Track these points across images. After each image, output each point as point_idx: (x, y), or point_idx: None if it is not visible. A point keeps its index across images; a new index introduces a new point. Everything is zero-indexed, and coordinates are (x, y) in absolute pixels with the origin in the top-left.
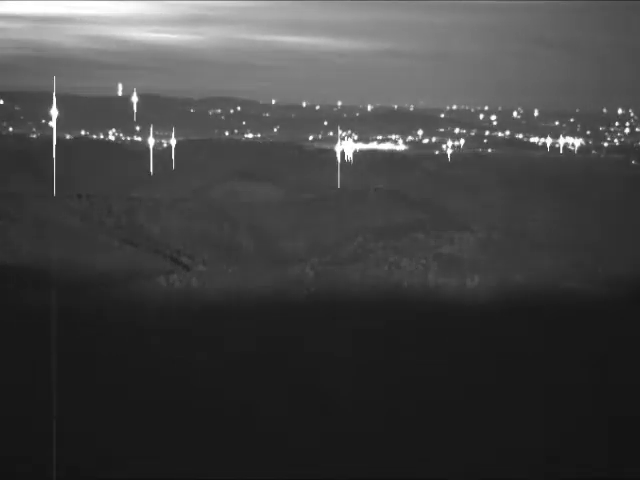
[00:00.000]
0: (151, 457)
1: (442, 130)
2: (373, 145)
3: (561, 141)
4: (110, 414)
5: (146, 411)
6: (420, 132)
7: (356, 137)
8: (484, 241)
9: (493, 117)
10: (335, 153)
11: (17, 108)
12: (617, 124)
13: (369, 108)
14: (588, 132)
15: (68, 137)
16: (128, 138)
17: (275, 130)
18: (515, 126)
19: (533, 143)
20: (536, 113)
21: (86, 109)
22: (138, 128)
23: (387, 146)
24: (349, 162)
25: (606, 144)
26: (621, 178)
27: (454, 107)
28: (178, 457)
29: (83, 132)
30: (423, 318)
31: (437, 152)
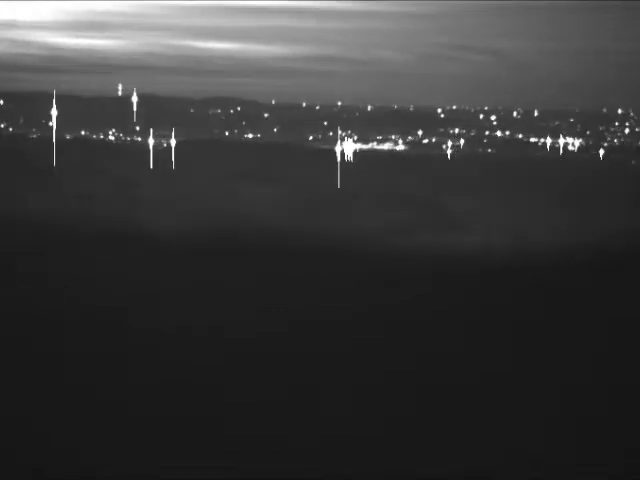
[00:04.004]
0: (149, 457)
1: (442, 130)
2: (373, 145)
3: (561, 141)
4: (107, 413)
5: (143, 410)
6: (420, 132)
7: (356, 137)
8: (484, 241)
9: (493, 117)
10: (335, 153)
11: (17, 108)
12: (617, 124)
13: (369, 108)
14: (588, 132)
15: (68, 137)
16: (128, 138)
17: (275, 130)
18: (515, 126)
19: (533, 143)
20: (536, 113)
21: (86, 109)
22: (138, 128)
23: (387, 146)
24: (349, 162)
25: (606, 144)
26: (621, 178)
27: (454, 107)
28: (176, 457)
29: (83, 132)
30: (423, 319)
31: (437, 152)
